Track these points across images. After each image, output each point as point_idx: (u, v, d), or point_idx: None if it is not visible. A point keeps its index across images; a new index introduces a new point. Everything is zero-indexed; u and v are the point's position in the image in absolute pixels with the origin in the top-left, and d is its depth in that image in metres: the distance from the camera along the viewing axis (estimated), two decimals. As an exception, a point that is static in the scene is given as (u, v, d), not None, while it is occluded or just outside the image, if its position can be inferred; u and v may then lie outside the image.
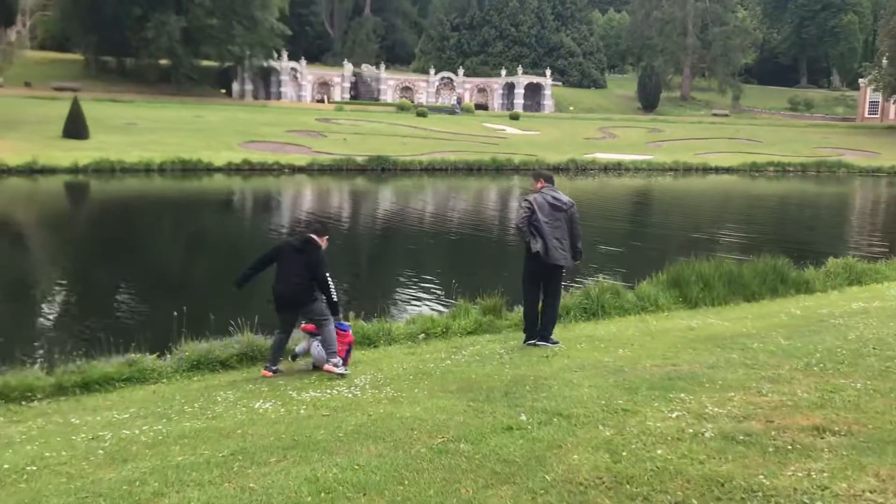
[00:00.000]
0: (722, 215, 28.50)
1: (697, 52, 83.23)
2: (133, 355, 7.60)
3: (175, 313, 8.27)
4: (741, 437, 4.15)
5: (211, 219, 25.49)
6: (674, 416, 4.64)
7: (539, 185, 8.10)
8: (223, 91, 68.71)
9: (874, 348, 6.24)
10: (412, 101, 71.78)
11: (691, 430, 4.33)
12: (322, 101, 71.53)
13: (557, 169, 45.10)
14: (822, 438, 4.12)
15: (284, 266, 7.33)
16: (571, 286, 11.41)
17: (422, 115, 62.63)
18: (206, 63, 67.15)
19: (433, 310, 11.79)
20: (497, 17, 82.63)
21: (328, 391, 6.13)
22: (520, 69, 76.92)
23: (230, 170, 37.70)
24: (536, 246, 7.65)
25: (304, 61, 73.36)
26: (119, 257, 17.18)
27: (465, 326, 9.09)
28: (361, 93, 75.74)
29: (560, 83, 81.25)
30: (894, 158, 51.83)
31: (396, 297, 13.21)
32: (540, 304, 8.07)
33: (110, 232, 21.76)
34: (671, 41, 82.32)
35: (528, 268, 7.97)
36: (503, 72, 77.96)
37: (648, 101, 78.32)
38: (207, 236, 22.00)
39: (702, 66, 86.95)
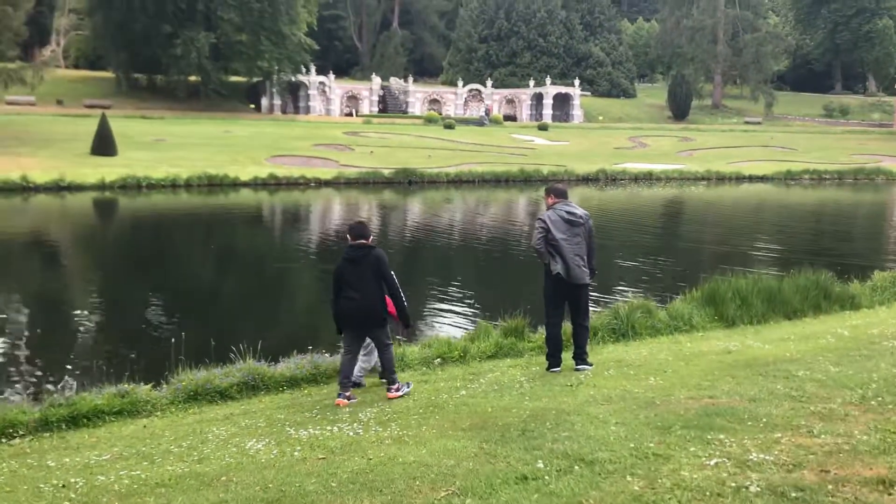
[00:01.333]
0: (757, 226, 27.61)
1: (728, 59, 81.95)
2: (126, 386, 7.16)
3: (173, 340, 7.83)
4: (793, 494, 3.55)
5: (234, 234, 25.22)
6: (712, 463, 4.05)
7: (550, 200, 7.50)
8: (252, 106, 69.06)
9: (937, 377, 5.58)
10: (440, 114, 71.54)
11: (733, 483, 3.74)
12: (350, 114, 71.59)
13: (587, 179, 44.49)
14: (890, 495, 3.51)
15: (347, 283, 6.91)
16: (600, 304, 10.82)
17: (449, 127, 62.30)
18: (234, 79, 67.60)
19: (456, 328, 11.28)
20: (525, 28, 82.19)
21: (328, 428, 5.61)
22: (548, 80, 76.35)
23: (256, 184, 37.59)
24: (557, 267, 7.19)
25: (332, 75, 73.57)
26: (138, 276, 16.92)
27: (485, 350, 8.54)
28: (389, 106, 75.71)
29: (589, 93, 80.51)
30: (935, 164, 50.37)
31: (416, 318, 12.68)
32: (564, 326, 7.54)
33: (130, 249, 21.57)
34: (701, 49, 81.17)
35: (548, 287, 7.42)
36: (531, 83, 77.46)
37: (679, 109, 77.23)
38: (228, 253, 21.69)
39: (733, 74, 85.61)
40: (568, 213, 7.30)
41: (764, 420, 4.79)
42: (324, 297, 15.70)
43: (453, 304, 13.70)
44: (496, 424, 5.25)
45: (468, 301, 14.16)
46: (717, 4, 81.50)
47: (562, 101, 76.10)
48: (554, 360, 7.45)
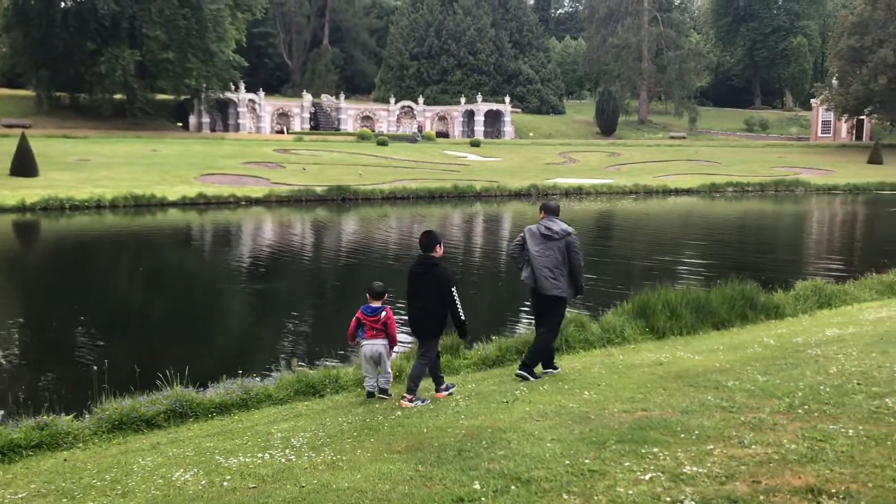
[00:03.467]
0: (684, 238, 28.29)
1: (653, 76, 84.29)
2: (46, 417, 6.83)
3: (95, 368, 7.53)
4: (726, 506, 3.58)
5: (162, 256, 24.57)
6: (647, 478, 4.06)
7: (541, 215, 7.98)
8: (180, 124, 67.74)
9: (858, 384, 5.74)
10: (373, 131, 71.44)
11: (668, 498, 3.75)
12: (282, 131, 70.89)
13: (519, 194, 44.91)
14: (819, 503, 3.57)
15: (411, 292, 7.32)
16: (530, 319, 10.83)
17: (382, 143, 62.24)
18: (161, 97, 66.22)
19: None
20: (455, 46, 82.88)
21: (260, 455, 5.44)
22: (479, 97, 77.07)
23: (185, 204, 36.77)
24: (523, 274, 7.78)
25: (262, 93, 72.76)
26: (60, 301, 16.29)
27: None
28: (321, 123, 75.25)
29: (519, 110, 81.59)
30: (848, 176, 52.54)
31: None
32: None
33: (52, 273, 20.79)
34: (627, 66, 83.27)
35: (531, 298, 7.96)
36: (463, 99, 78.10)
37: (607, 125, 78.90)
38: (156, 275, 21.11)
39: (658, 90, 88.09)
40: (546, 227, 7.72)
41: (696, 432, 4.85)
42: (256, 318, 15.45)
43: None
44: (432, 445, 5.18)
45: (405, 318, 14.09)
46: (641, 23, 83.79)
47: (493, 118, 76.90)
48: (545, 364, 7.84)
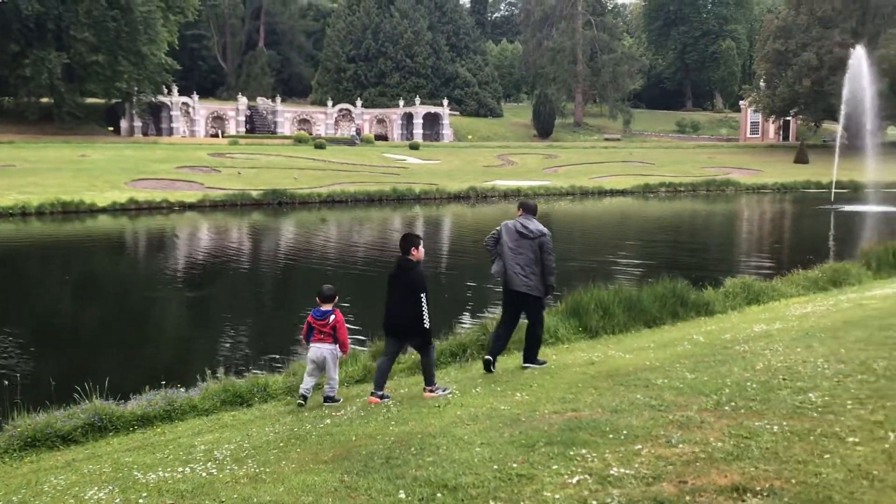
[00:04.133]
0: (619, 238, 28.70)
1: (588, 79, 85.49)
2: (-48, 437, 6.49)
3: (6, 382, 7.17)
4: (652, 507, 3.55)
5: (90, 263, 23.80)
6: (574, 481, 4.01)
7: (518, 213, 8.13)
8: (111, 129, 65.91)
9: (784, 379, 5.81)
10: (310, 134, 70.74)
11: (594, 501, 3.70)
12: (216, 135, 69.67)
13: (458, 197, 45.00)
14: (744, 501, 3.56)
15: (390, 292, 7.35)
16: (469, 322, 10.80)
17: (320, 146, 61.70)
18: (91, 100, 64.35)
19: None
20: (393, 48, 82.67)
21: (180, 469, 5.22)
22: (417, 99, 77.02)
23: (115, 210, 35.78)
24: (494, 267, 7.98)
25: (196, 96, 71.36)
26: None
27: (353, 374, 8.33)
28: (257, 126, 74.18)
29: (458, 112, 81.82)
30: (776, 175, 54.14)
31: (287, 343, 12.28)
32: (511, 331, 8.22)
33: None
34: (562, 69, 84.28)
35: (503, 294, 8.14)
36: (401, 102, 77.94)
37: (543, 127, 79.72)
38: (82, 284, 20.42)
39: (593, 93, 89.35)
40: (522, 225, 7.89)
41: (625, 432, 4.82)
42: (187, 326, 15.04)
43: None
44: (360, 454, 5.05)
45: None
46: (575, 27, 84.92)
47: (432, 121, 76.94)
48: (490, 354, 7.99)
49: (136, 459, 5.83)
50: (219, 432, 6.53)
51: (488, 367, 7.89)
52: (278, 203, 39.64)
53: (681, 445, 4.46)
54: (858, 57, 44.31)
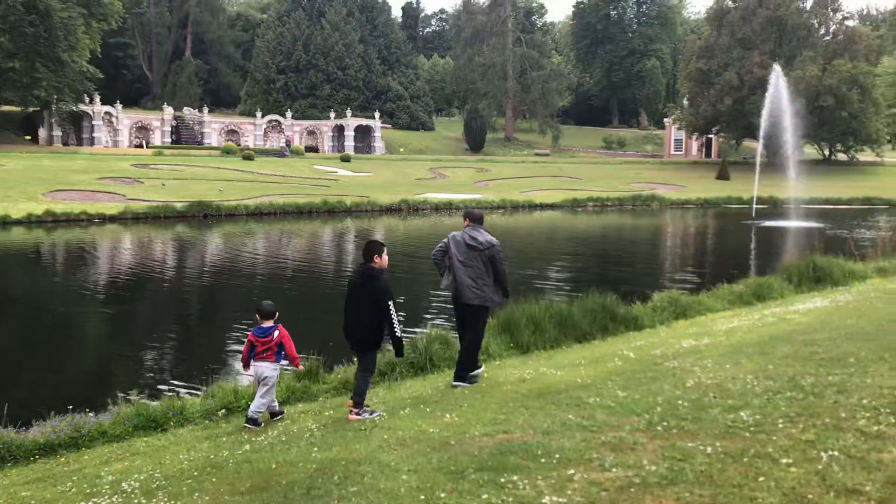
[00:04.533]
0: (549, 252, 28.87)
1: (518, 95, 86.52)
2: None
3: None
4: (586, 539, 3.37)
5: (0, 279, 22.65)
6: (506, 510, 3.82)
7: (465, 223, 8.06)
8: (28, 137, 63.43)
9: (714, 397, 5.76)
10: (238, 145, 69.51)
11: (527, 533, 3.52)
12: (141, 146, 67.81)
13: (390, 209, 44.72)
14: (679, 529, 3.43)
15: (348, 302, 7.09)
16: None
17: (248, 158, 60.67)
18: (7, 108, 61.87)
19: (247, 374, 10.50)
20: (323, 60, 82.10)
21: (82, 504, 4.83)
22: (349, 112, 76.56)
23: (31, 222, 34.30)
24: (444, 282, 7.92)
25: (119, 105, 69.39)
26: None
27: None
28: (184, 137, 72.51)
29: (390, 126, 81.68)
30: (699, 191, 55.59)
31: (206, 364, 11.79)
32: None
33: None
34: (493, 85, 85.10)
35: (453, 307, 8.06)
36: (332, 114, 77.35)
37: (475, 142, 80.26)
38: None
39: (523, 109, 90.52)
40: (471, 237, 7.77)
41: (557, 455, 4.67)
42: (104, 345, 14.34)
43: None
44: (279, 484, 4.76)
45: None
46: (505, 43, 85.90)
47: (363, 133, 76.54)
48: (457, 374, 7.89)
49: (34, 493, 5.39)
50: (129, 461, 6.12)
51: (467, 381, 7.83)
52: (203, 215, 38.65)
53: (614, 469, 4.33)
54: (776, 77, 45.96)
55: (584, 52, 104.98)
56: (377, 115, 77.60)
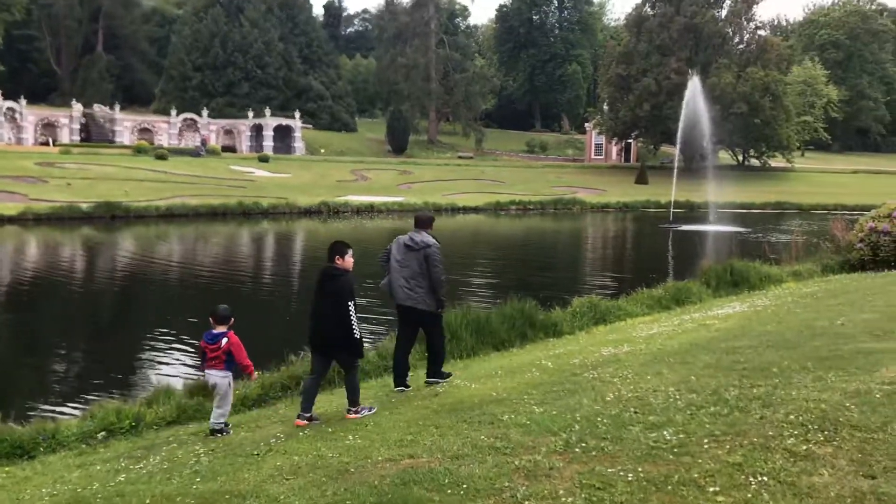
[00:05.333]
0: (470, 257, 28.54)
1: (441, 97, 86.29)
2: None
3: None
4: None
5: None
6: (403, 557, 3.32)
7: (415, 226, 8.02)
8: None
9: (635, 412, 5.40)
10: (152, 144, 67.01)
11: (424, 589, 3.02)
12: (46, 143, 64.61)
13: (310, 212, 43.71)
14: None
15: (315, 301, 6.94)
16: (306, 351, 9.89)
17: (162, 157, 58.45)
18: None
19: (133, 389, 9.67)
20: (242, 58, 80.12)
21: None
22: (268, 111, 74.82)
23: (-82, 224, 32.07)
24: (382, 282, 7.90)
25: (23, 101, 65.93)
26: None
27: (165, 416, 7.27)
28: (94, 135, 69.56)
29: (310, 126, 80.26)
30: (619, 195, 56.40)
31: (95, 378, 10.92)
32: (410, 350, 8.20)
33: None
34: (416, 86, 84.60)
35: (397, 310, 8.01)
36: (251, 113, 75.44)
37: (398, 144, 79.63)
38: None
39: (446, 111, 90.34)
40: (410, 238, 7.76)
41: (465, 485, 4.20)
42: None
43: (163, 353, 12.07)
44: (148, 525, 4.14)
45: (171, 350, 12.59)
46: (428, 45, 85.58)
47: (283, 133, 74.95)
48: (396, 381, 7.83)
49: None
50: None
51: (402, 386, 7.78)
52: (111, 217, 36.93)
53: (527, 502, 3.88)
54: (693, 84, 46.96)
55: (507, 55, 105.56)
56: (297, 114, 76.13)
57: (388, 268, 7.81)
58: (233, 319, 6.95)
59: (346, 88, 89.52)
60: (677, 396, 5.74)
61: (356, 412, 6.71)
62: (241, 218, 40.36)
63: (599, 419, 5.31)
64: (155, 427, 7.06)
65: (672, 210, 45.27)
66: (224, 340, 6.74)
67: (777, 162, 75.17)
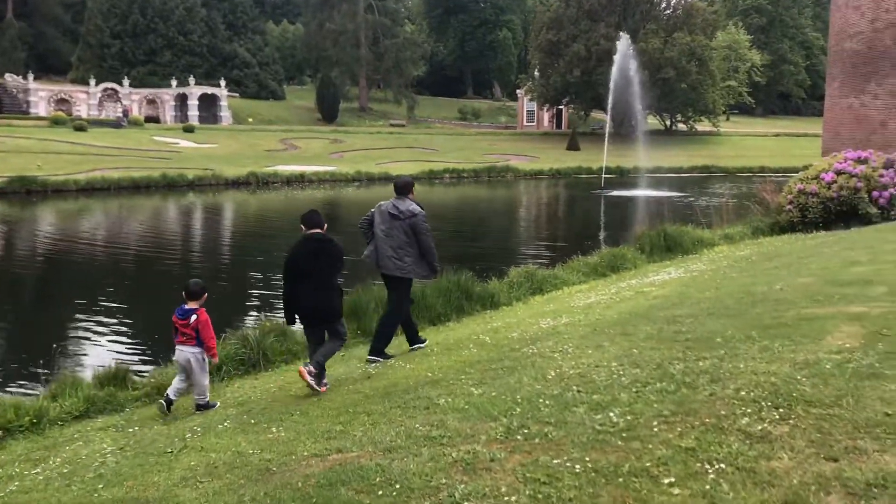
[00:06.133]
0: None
1: (372, 63, 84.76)
2: None
3: None
4: None
5: None
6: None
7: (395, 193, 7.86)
8: None
9: (579, 391, 5.09)
10: (70, 115, 64.10)
11: None
12: (-47, 115, 61.21)
13: (237, 183, 42.44)
14: None
15: (306, 275, 6.55)
16: (232, 326, 9.36)
17: (81, 129, 55.98)
18: None
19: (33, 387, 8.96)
20: (163, 25, 77.05)
21: None
22: (192, 79, 72.35)
23: None
24: (365, 251, 7.77)
25: (-75, 70, 62.24)
26: None
27: (71, 409, 6.67)
28: (6, 106, 66.23)
29: (237, 94, 78.02)
30: (551, 162, 56.48)
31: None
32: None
33: None
34: (345, 53, 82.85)
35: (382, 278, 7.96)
36: (174, 82, 72.78)
37: (328, 112, 78.06)
38: None
39: (377, 78, 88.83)
40: (394, 206, 7.61)
41: (398, 484, 3.81)
42: None
43: (74, 340, 11.32)
44: (37, 546, 3.64)
45: (84, 337, 11.84)
46: (357, 10, 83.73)
47: (208, 103, 72.65)
48: (416, 339, 7.96)
49: None
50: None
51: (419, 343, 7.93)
52: (26, 192, 35.13)
53: (466, 502, 3.51)
54: (623, 49, 47.04)
55: (437, 21, 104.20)
56: (223, 83, 73.85)
57: (371, 236, 7.67)
58: (205, 295, 6.84)
59: (273, 55, 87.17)
60: (621, 372, 5.45)
61: (317, 379, 6.45)
62: (166, 191, 38.93)
63: (541, 400, 4.98)
64: (59, 423, 6.46)
65: (603, 176, 45.53)
66: (193, 317, 6.62)
67: (703, 126, 76.47)
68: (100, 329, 12.14)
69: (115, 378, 7.21)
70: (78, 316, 13.09)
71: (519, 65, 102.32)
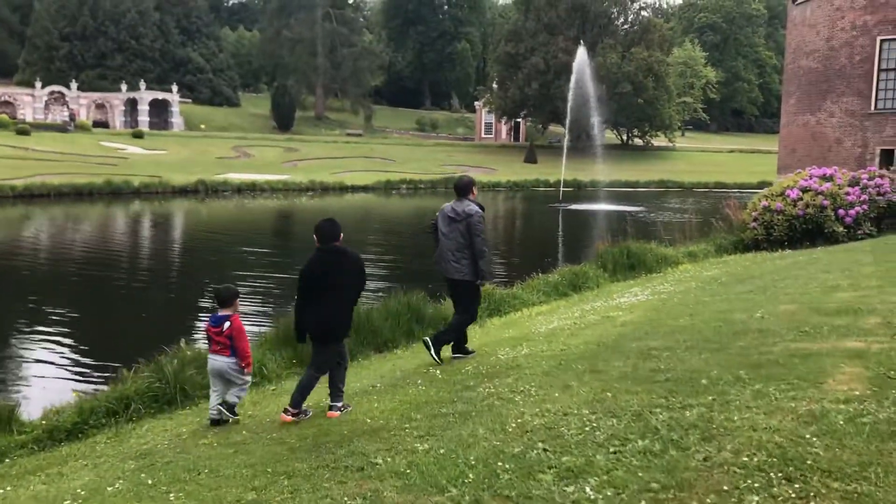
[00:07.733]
0: (357, 242, 27.04)
1: (329, 72, 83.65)
2: None
3: None
4: None
5: None
6: None
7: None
8: None
9: (545, 450, 4.22)
10: (13, 118, 61.76)
11: None
12: None
13: (185, 191, 40.99)
14: None
15: (327, 290, 6.01)
16: (144, 355, 8.30)
17: (24, 132, 53.92)
18: None
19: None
20: (114, 28, 75.01)
21: None
22: (143, 84, 70.44)
23: None
24: (435, 256, 7.59)
25: None
26: None
27: (64, 424, 5.60)
28: (-56, 108, 63.51)
29: (190, 100, 76.21)
30: (509, 174, 56.01)
31: None
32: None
33: None
34: (302, 61, 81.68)
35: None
36: (124, 86, 70.79)
37: (283, 120, 76.69)
38: None
39: (334, 87, 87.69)
40: (452, 209, 7.45)
41: None
42: None
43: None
44: None
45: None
46: (314, 18, 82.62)
47: (160, 108, 70.78)
48: (456, 349, 7.62)
49: None
50: None
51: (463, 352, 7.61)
52: (-41, 197, 33.36)
53: None
54: (581, 63, 46.74)
55: (395, 31, 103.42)
56: (175, 88, 72.06)
57: (437, 240, 7.53)
58: (238, 300, 6.48)
59: (227, 62, 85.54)
60: (594, 423, 4.60)
61: (341, 409, 6.02)
62: (110, 198, 37.37)
63: (500, 463, 4.10)
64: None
65: (561, 189, 45.06)
66: (227, 324, 6.17)
67: (659, 141, 76.88)
68: (18, 351, 10.97)
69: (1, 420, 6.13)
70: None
71: (477, 76, 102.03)
